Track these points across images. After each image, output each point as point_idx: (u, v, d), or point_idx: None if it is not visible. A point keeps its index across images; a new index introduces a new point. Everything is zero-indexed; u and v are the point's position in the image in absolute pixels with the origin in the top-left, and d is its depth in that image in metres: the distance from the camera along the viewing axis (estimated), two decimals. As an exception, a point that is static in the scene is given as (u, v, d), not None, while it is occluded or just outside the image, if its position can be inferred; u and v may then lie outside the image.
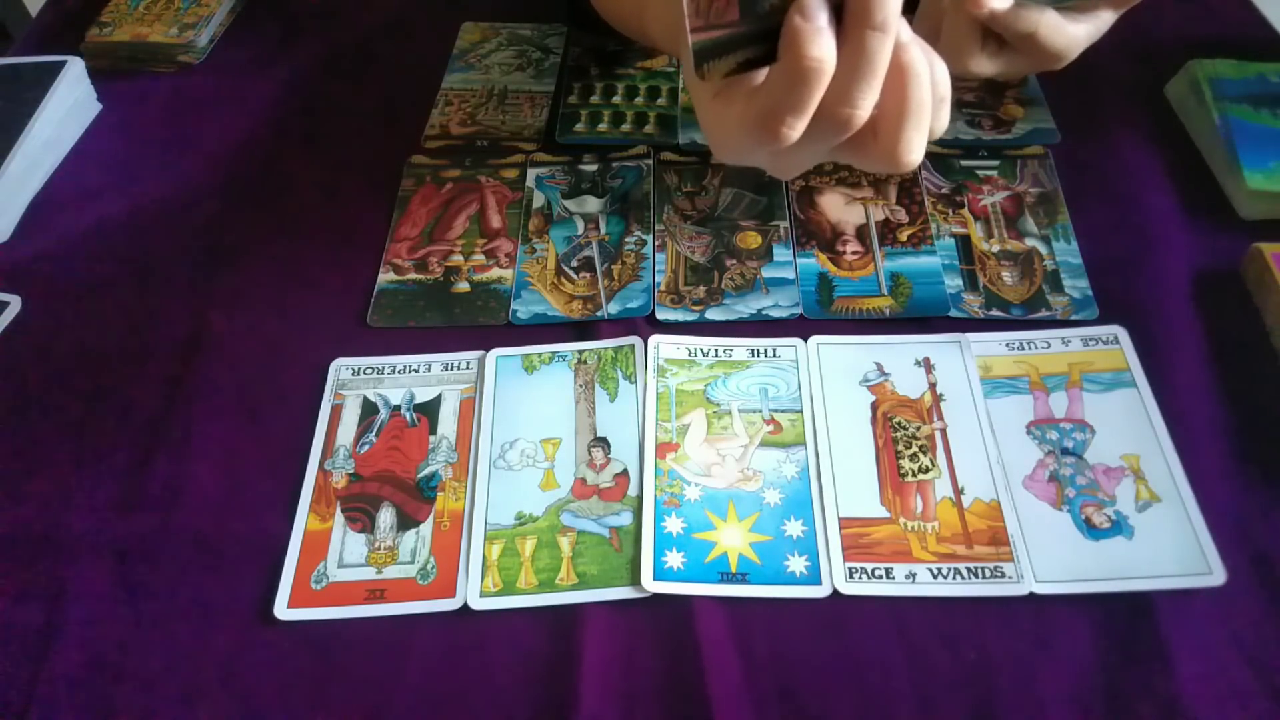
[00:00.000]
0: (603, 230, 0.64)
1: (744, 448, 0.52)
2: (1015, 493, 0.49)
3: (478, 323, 0.59)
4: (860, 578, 0.47)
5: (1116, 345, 0.55)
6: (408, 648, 0.46)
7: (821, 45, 0.33)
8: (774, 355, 0.56)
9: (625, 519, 0.50)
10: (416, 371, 0.57)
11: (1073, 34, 0.51)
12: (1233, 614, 0.45)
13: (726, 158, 0.42)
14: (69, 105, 0.71)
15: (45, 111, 0.69)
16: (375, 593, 0.48)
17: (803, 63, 0.33)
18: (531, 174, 0.67)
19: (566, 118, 0.71)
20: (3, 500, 0.52)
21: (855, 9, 0.33)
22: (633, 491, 0.51)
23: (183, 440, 0.54)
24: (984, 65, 0.52)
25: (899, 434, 0.52)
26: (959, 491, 0.50)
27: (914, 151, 0.37)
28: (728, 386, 0.55)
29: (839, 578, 0.47)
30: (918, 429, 0.52)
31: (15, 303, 0.61)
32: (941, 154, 0.66)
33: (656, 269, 0.61)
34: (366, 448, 0.53)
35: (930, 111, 0.37)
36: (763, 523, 0.49)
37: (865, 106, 0.36)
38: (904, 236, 0.62)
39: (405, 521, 0.50)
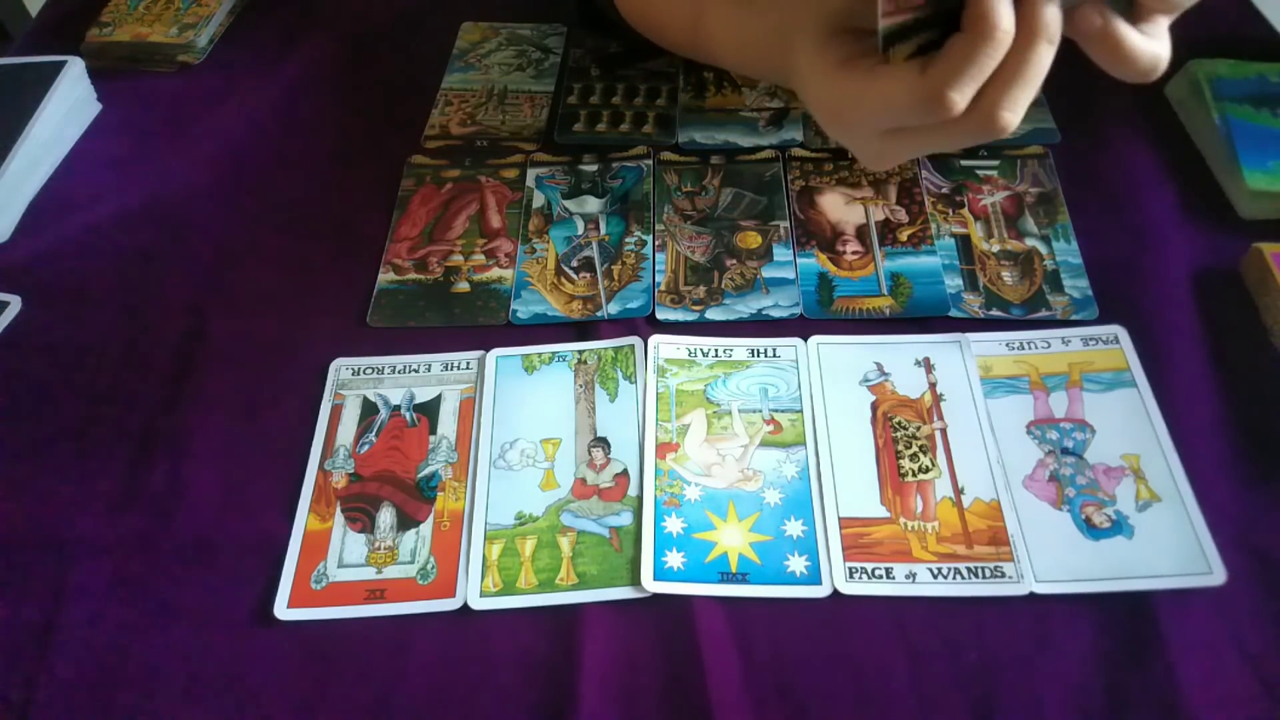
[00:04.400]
0: (603, 230, 0.64)
1: (744, 448, 0.52)
2: (1015, 493, 0.49)
3: (478, 323, 0.59)
4: (860, 577, 0.47)
5: (1116, 345, 0.55)
6: (408, 648, 0.46)
7: (1009, 17, 0.35)
8: (774, 355, 0.56)
9: (625, 519, 0.50)
10: (416, 371, 0.57)
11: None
12: (1233, 614, 0.45)
13: (841, 132, 0.43)
14: (69, 105, 0.71)
15: (45, 111, 0.69)
16: (375, 593, 0.48)
17: (992, 34, 0.35)
18: (531, 174, 0.67)
19: (565, 118, 0.71)
20: (3, 501, 0.52)
21: (1032, 15, 0.35)
22: (633, 491, 0.51)
23: (183, 440, 0.54)
24: None
25: (899, 434, 0.52)
26: (959, 491, 0.50)
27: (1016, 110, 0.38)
28: (728, 386, 0.55)
29: (839, 578, 0.47)
30: (918, 429, 0.52)
31: (15, 303, 0.61)
32: (941, 154, 0.66)
33: (656, 269, 0.61)
34: (366, 448, 0.53)
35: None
36: (763, 523, 0.49)
37: (1021, 112, 0.37)
38: (904, 236, 0.62)
39: (405, 521, 0.50)
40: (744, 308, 0.59)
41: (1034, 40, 0.36)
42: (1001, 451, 0.51)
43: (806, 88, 0.45)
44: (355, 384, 0.56)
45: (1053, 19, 0.36)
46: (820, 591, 0.47)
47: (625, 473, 0.52)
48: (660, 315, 0.58)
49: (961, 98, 0.37)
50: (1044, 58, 0.36)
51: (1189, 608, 0.45)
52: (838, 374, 0.55)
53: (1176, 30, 0.78)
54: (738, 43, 0.56)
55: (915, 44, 0.38)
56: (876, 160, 0.44)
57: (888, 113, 0.39)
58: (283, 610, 0.47)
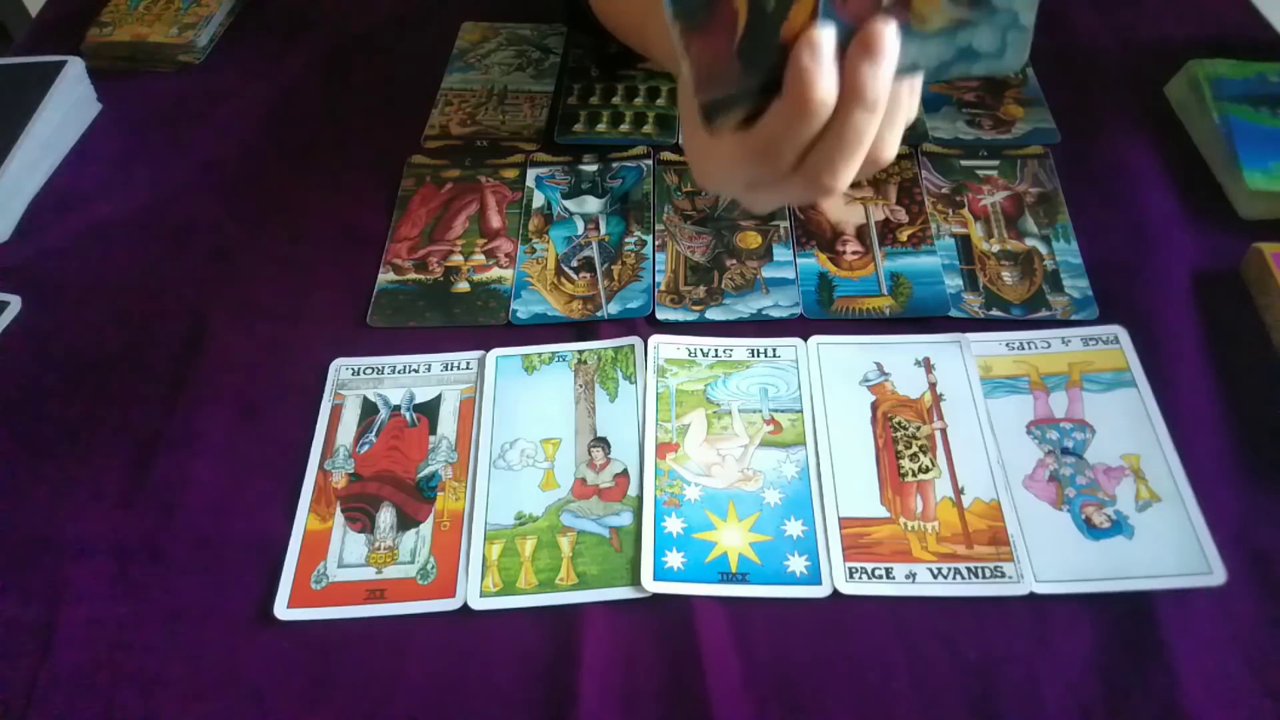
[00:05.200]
0: (603, 230, 0.64)
1: (744, 448, 0.52)
2: (1015, 493, 0.49)
3: (478, 323, 0.59)
4: (860, 578, 0.47)
5: (1116, 345, 0.55)
6: (408, 648, 0.46)
7: (824, 87, 0.33)
8: (774, 355, 0.56)
9: (625, 519, 0.50)
10: (416, 371, 0.57)
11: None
12: (1233, 614, 0.45)
13: (706, 184, 0.42)
14: (69, 105, 0.71)
15: (45, 111, 0.69)
16: (375, 593, 0.48)
17: (807, 104, 0.34)
18: (531, 174, 0.67)
19: (565, 118, 0.71)
20: (3, 500, 0.52)
21: (851, 85, 0.34)
22: (633, 491, 0.51)
23: (183, 440, 0.54)
24: None
25: (899, 434, 0.52)
26: (959, 491, 0.50)
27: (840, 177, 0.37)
28: (728, 386, 0.55)
29: (839, 578, 0.47)
30: (918, 429, 0.52)
31: (15, 303, 0.61)
32: (941, 154, 0.66)
33: (656, 269, 0.61)
34: (366, 448, 0.53)
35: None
36: (763, 523, 0.49)
37: (847, 177, 0.36)
38: (904, 236, 0.62)
39: (405, 521, 0.50)
40: (744, 308, 0.59)
41: (848, 107, 0.34)
42: (1001, 451, 0.51)
43: (683, 140, 0.44)
44: (355, 384, 0.56)
45: (869, 86, 0.33)
46: (820, 591, 0.47)
47: (625, 473, 0.52)
48: (660, 315, 0.58)
49: (782, 161, 0.36)
50: (862, 124, 0.35)
51: (1189, 608, 0.45)
52: (838, 374, 0.55)
53: (1177, 30, 0.79)
54: (669, 53, 0.55)
55: (741, 115, 0.36)
56: (754, 208, 0.43)
57: (730, 171, 0.39)
58: (283, 610, 0.47)
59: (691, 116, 0.40)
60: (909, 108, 0.37)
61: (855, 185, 0.65)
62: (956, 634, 0.45)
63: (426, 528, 0.50)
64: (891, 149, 0.38)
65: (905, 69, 0.34)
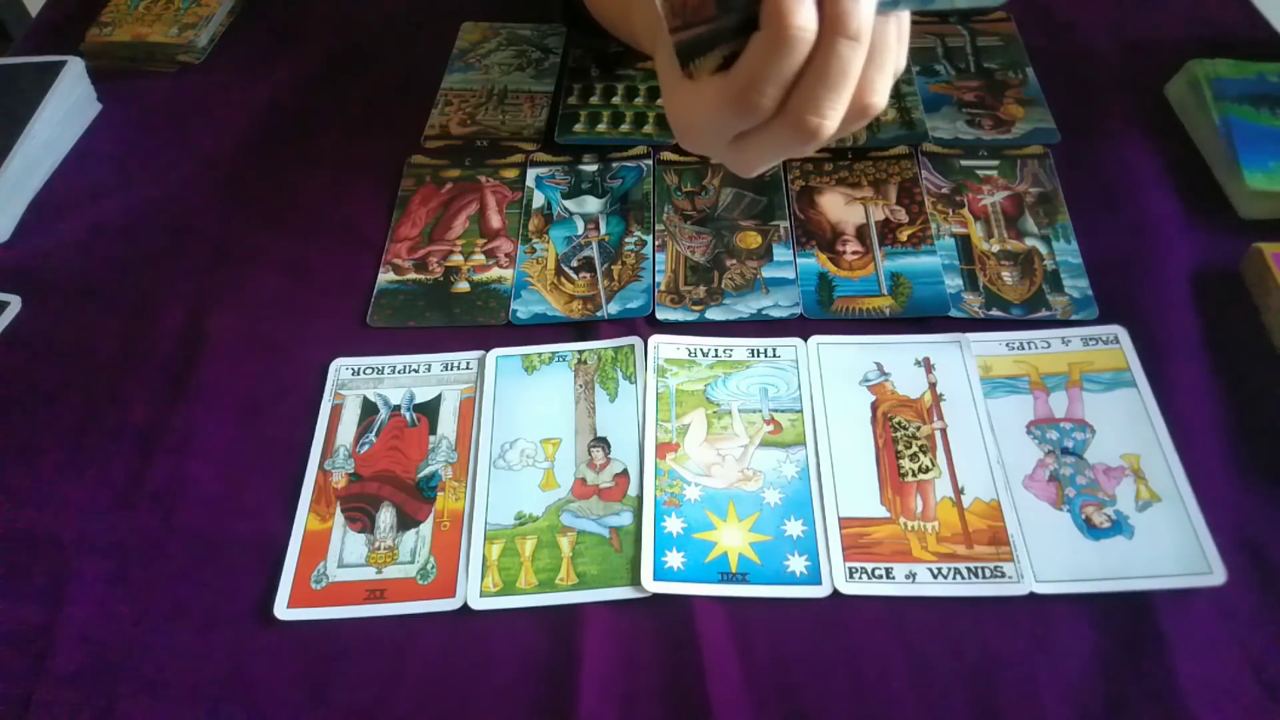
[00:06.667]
0: (603, 230, 0.64)
1: (744, 448, 0.52)
2: (1015, 493, 0.49)
3: (478, 323, 0.59)
4: (860, 578, 0.47)
5: (1116, 345, 0.55)
6: (408, 648, 0.46)
7: (804, 14, 0.33)
8: (774, 355, 0.56)
9: (625, 519, 0.50)
10: (416, 371, 0.57)
11: None
12: (1233, 614, 0.45)
13: (689, 143, 0.41)
14: (69, 105, 0.71)
15: (45, 111, 0.69)
16: (375, 593, 0.48)
17: (786, 31, 0.33)
18: (531, 174, 0.67)
19: (565, 118, 0.71)
20: (3, 500, 0.52)
21: (832, 15, 0.33)
22: (633, 491, 0.51)
23: (183, 440, 0.54)
24: None
25: (899, 434, 0.52)
26: (959, 491, 0.50)
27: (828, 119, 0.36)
28: (728, 386, 0.55)
29: (839, 578, 0.47)
30: (918, 429, 0.52)
31: (15, 303, 0.61)
32: (941, 154, 0.66)
33: (656, 269, 0.61)
34: (366, 448, 0.53)
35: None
36: (763, 523, 0.49)
37: (834, 117, 0.35)
38: (904, 236, 0.62)
39: (405, 521, 0.50)
40: (744, 308, 0.59)
41: (831, 38, 0.33)
42: (1001, 451, 0.51)
43: (664, 101, 0.43)
44: (355, 384, 0.56)
45: (851, 15, 0.32)
46: (820, 591, 0.47)
47: (625, 473, 0.52)
48: (660, 315, 0.58)
49: (764, 98, 0.35)
50: (845, 56, 0.33)
51: (1189, 608, 0.45)
52: (838, 374, 0.55)
53: (1177, 30, 0.79)
54: (649, 33, 0.54)
55: (719, 57, 0.35)
56: (741, 168, 0.42)
57: (711, 120, 0.38)
58: (283, 610, 0.47)
59: (671, 76, 0.39)
60: (898, 53, 0.36)
61: (854, 185, 0.65)
62: (956, 634, 0.45)
63: (426, 528, 0.50)
64: (881, 95, 0.36)
65: (887, 3, 0.34)
